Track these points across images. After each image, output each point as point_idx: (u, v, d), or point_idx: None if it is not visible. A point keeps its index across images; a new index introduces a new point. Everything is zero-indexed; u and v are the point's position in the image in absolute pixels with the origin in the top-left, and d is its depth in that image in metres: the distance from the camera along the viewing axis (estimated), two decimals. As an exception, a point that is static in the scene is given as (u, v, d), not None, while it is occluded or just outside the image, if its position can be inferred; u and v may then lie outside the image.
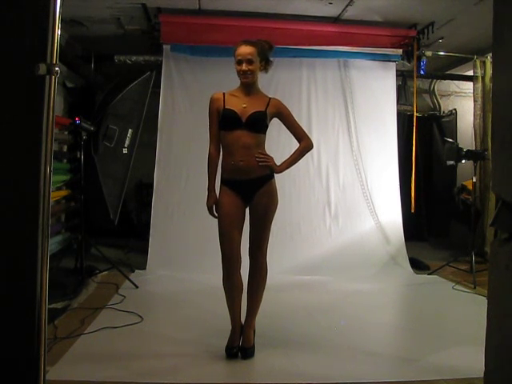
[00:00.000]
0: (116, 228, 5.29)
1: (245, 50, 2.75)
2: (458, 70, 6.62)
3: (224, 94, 2.86)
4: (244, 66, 2.75)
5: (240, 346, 2.83)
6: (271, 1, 4.78)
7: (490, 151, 1.45)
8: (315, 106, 5.41)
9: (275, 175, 2.89)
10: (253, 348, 2.85)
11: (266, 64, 2.85)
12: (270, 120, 2.89)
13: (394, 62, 5.56)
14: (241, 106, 2.79)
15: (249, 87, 2.83)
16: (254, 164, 2.78)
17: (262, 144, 2.85)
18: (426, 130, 6.88)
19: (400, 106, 5.95)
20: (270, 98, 2.88)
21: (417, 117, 5.73)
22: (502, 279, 1.25)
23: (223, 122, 2.81)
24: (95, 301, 3.81)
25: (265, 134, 2.86)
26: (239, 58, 2.76)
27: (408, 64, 5.62)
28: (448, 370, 2.67)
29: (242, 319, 2.91)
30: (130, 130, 5.04)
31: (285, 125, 2.96)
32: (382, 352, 3.02)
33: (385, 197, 5.45)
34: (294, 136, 2.98)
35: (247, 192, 2.81)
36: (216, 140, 2.88)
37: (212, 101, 2.87)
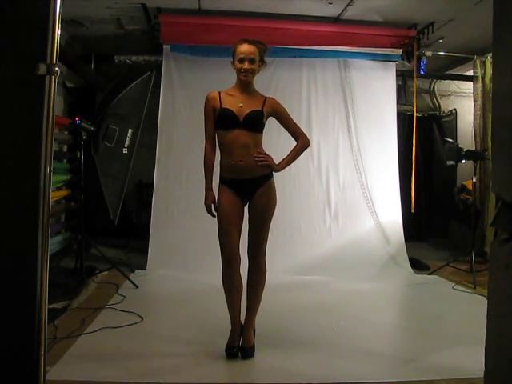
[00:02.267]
0: (116, 228, 5.28)
1: (248, 48, 2.76)
2: (458, 69, 6.62)
3: (220, 92, 2.86)
4: (246, 65, 2.74)
5: (240, 346, 2.83)
6: (271, 1, 4.77)
7: (490, 151, 1.45)
8: (315, 105, 5.40)
9: (275, 174, 2.89)
10: (253, 348, 2.85)
11: (261, 65, 2.85)
12: (267, 119, 2.89)
13: (394, 61, 5.56)
14: (237, 105, 2.79)
15: (245, 86, 2.83)
16: (254, 163, 2.78)
17: (259, 143, 2.85)
18: (425, 130, 6.88)
19: (400, 106, 5.95)
20: (266, 98, 2.88)
21: (417, 117, 5.73)
22: (501, 279, 1.25)
23: (220, 121, 2.81)
24: (95, 301, 3.81)
25: (262, 132, 2.87)
26: (242, 56, 2.75)
27: (408, 64, 5.62)
28: (448, 370, 2.67)
29: (242, 319, 2.91)
30: (130, 130, 5.04)
31: (281, 123, 2.96)
32: (382, 352, 3.02)
33: (385, 197, 5.45)
34: (291, 134, 2.98)
35: (246, 191, 2.82)
36: (212, 139, 2.88)
37: (207, 100, 2.86)
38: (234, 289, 2.83)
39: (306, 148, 2.99)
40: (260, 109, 2.81)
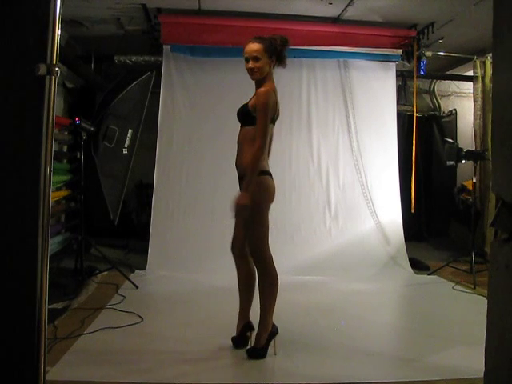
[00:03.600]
0: (116, 228, 5.28)
1: (251, 47, 2.73)
2: (458, 70, 6.63)
3: None
4: (250, 64, 2.73)
5: (251, 346, 2.82)
6: (271, 1, 4.77)
7: (490, 151, 1.46)
8: (315, 105, 5.40)
9: (275, 174, 2.82)
10: (260, 350, 2.78)
11: (279, 59, 2.79)
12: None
13: (394, 62, 5.56)
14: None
15: (258, 84, 2.80)
16: (242, 160, 2.74)
17: (251, 138, 2.69)
18: (426, 130, 6.89)
19: (400, 106, 5.96)
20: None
21: (417, 117, 5.73)
22: (501, 279, 1.25)
23: None
24: (95, 301, 3.81)
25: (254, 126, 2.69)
26: (246, 55, 2.75)
27: (408, 64, 5.62)
28: (448, 370, 2.67)
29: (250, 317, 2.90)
30: (130, 130, 5.04)
31: None
32: (382, 352, 3.01)
33: (385, 197, 5.45)
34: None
35: (241, 188, 2.79)
36: None
37: None
38: (240, 278, 2.88)
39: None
40: (247, 102, 2.79)
